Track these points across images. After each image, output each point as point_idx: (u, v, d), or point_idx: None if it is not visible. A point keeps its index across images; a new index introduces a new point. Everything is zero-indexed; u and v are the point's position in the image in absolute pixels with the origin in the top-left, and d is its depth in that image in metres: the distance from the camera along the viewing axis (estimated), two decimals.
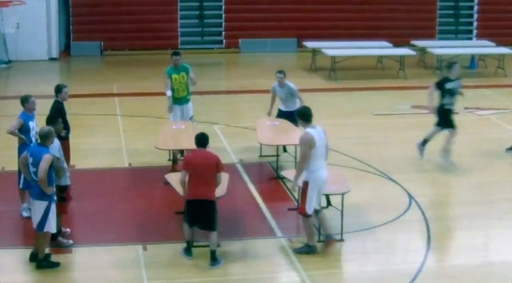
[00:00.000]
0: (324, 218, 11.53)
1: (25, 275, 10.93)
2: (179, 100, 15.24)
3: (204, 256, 11.34)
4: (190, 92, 15.58)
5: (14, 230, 12.35)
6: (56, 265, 10.93)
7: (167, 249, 11.63)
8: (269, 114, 15.93)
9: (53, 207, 10.80)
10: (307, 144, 11.00)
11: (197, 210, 10.96)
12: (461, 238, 12.37)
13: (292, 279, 11.01)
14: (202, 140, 11.15)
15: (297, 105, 15.11)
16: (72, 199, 11.93)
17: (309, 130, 11.13)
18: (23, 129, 12.26)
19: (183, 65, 15.33)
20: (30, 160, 10.72)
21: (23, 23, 24.62)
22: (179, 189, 11.30)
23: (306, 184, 11.16)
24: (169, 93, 15.16)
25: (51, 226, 10.82)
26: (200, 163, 10.89)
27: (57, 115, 12.38)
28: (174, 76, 15.13)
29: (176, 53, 15.39)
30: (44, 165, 10.54)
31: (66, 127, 12.77)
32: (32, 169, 10.71)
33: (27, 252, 11.26)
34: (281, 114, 15.74)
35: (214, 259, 11.06)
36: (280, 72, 15.79)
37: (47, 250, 11.02)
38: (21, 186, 12.35)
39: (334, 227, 12.09)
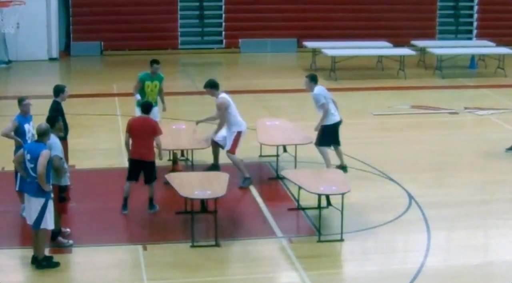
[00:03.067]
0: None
1: (25, 275, 10.92)
2: None
3: (204, 256, 11.35)
4: (161, 100, 15.58)
5: (14, 230, 12.34)
6: (56, 265, 10.93)
7: (167, 249, 11.64)
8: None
9: (50, 204, 10.79)
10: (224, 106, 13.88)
11: (138, 168, 12.76)
12: (461, 238, 12.36)
13: (292, 279, 11.01)
14: (146, 107, 13.00)
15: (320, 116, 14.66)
16: (71, 199, 11.91)
17: (223, 95, 14.05)
18: (19, 132, 12.19)
19: (159, 74, 15.30)
20: (28, 156, 10.72)
21: (23, 23, 24.63)
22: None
23: (238, 133, 14.16)
24: (137, 96, 15.11)
25: (48, 223, 10.81)
26: (139, 127, 12.66)
27: (58, 114, 12.39)
28: (148, 83, 15.12)
29: (157, 62, 15.25)
30: (43, 160, 10.55)
31: (65, 127, 12.75)
32: (29, 165, 10.70)
33: (27, 252, 11.26)
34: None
35: (151, 205, 12.92)
36: (306, 76, 15.07)
37: (46, 252, 11.02)
38: (17, 188, 12.24)
39: (334, 227, 12.11)
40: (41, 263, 10.89)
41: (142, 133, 12.66)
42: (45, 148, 10.70)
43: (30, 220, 10.86)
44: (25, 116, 12.31)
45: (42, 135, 10.83)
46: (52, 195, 10.89)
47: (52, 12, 26.40)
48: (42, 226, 10.79)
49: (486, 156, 16.20)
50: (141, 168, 12.78)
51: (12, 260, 11.45)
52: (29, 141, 11.98)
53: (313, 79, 14.87)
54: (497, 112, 19.75)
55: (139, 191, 13.71)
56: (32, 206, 10.78)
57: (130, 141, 12.76)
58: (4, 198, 13.26)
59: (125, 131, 12.89)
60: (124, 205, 12.91)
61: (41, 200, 10.71)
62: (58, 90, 13.37)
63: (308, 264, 11.16)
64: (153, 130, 12.72)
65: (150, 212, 12.86)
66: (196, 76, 24.02)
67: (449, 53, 25.04)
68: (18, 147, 12.12)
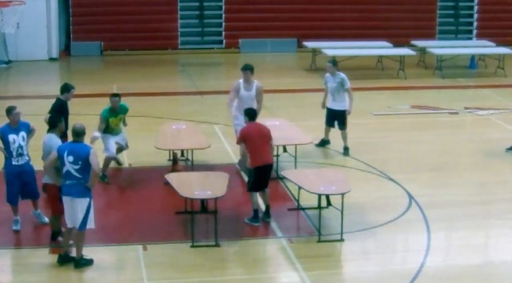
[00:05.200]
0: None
1: (25, 275, 10.92)
2: (112, 133, 14.45)
3: (204, 256, 11.35)
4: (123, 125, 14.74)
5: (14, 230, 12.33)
6: (91, 261, 11.01)
7: (167, 249, 11.64)
8: (322, 106, 16.20)
9: (93, 203, 10.85)
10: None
11: (265, 174, 12.38)
12: (461, 238, 12.36)
13: (292, 279, 11.01)
14: (253, 114, 12.63)
15: (346, 100, 15.78)
16: None
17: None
18: (3, 142, 11.91)
19: (122, 105, 14.28)
20: (70, 159, 10.65)
21: (23, 23, 24.60)
22: (179, 189, 11.81)
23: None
24: (97, 134, 13.95)
25: (92, 222, 10.87)
26: (258, 134, 12.36)
27: (61, 114, 12.35)
28: (112, 119, 14.17)
29: (115, 95, 14.26)
30: (96, 159, 10.65)
31: (65, 127, 12.67)
32: (73, 167, 10.65)
33: (26, 252, 11.26)
34: (330, 113, 16.07)
35: (267, 213, 12.59)
36: (329, 61, 16.05)
37: (46, 252, 11.03)
38: (8, 200, 12.09)
39: (334, 227, 12.11)
40: (79, 262, 10.92)
41: (261, 139, 12.36)
42: (91, 147, 10.80)
43: (75, 223, 10.83)
44: (13, 126, 11.89)
45: (81, 134, 10.85)
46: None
47: (52, 12, 26.38)
48: (88, 226, 10.83)
49: (486, 156, 16.20)
50: (267, 173, 12.48)
51: (12, 260, 11.46)
52: (14, 153, 11.77)
53: (335, 64, 16.00)
54: (497, 112, 19.75)
55: (141, 191, 13.72)
56: (78, 207, 10.75)
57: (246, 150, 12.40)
58: (4, 198, 13.23)
59: (239, 142, 12.58)
60: (256, 217, 12.47)
61: (87, 200, 10.76)
62: (64, 89, 13.31)
63: (308, 264, 11.16)
64: (270, 134, 12.54)
65: (267, 220, 12.55)
66: (196, 76, 24.04)
67: (449, 53, 25.03)
68: (6, 158, 11.90)
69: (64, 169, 10.75)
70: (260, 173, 12.32)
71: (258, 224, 12.35)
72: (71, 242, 11.54)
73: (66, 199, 10.84)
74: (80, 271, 10.94)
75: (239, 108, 14.35)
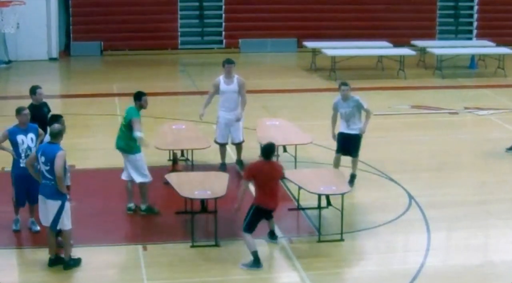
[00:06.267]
0: None
1: (25, 275, 10.93)
2: None
3: (204, 256, 11.35)
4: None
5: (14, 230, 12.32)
6: (80, 261, 10.99)
7: (167, 249, 11.64)
8: (334, 137, 14.21)
9: (67, 206, 10.80)
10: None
11: (263, 216, 11.24)
12: (461, 238, 12.36)
13: (292, 279, 11.01)
14: (270, 152, 11.24)
15: (361, 123, 14.09)
16: (71, 199, 11.90)
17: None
18: (11, 143, 11.86)
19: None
20: (42, 159, 10.68)
21: (23, 23, 24.61)
22: (179, 189, 11.66)
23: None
24: (142, 134, 12.79)
25: (65, 223, 10.82)
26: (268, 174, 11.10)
27: (35, 117, 12.26)
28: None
29: (143, 94, 13.23)
30: (60, 161, 10.56)
31: (44, 130, 12.24)
32: (44, 167, 10.67)
33: (26, 253, 11.26)
34: (343, 139, 14.07)
35: (273, 234, 11.80)
36: (345, 84, 14.04)
37: (46, 252, 11.02)
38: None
39: (334, 227, 12.11)
40: (68, 263, 10.90)
41: (272, 180, 11.18)
42: (60, 149, 10.70)
43: (47, 222, 10.84)
44: (22, 127, 11.86)
45: (56, 136, 10.81)
46: (68, 196, 10.90)
47: (52, 12, 26.39)
48: (58, 227, 10.80)
49: (486, 156, 16.21)
50: (267, 214, 11.39)
51: (12, 260, 11.46)
52: (22, 154, 11.76)
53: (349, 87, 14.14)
54: (497, 112, 19.75)
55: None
56: (49, 208, 10.76)
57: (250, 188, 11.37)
58: (4, 198, 13.23)
59: (245, 178, 11.23)
60: (257, 260, 11.08)
61: (58, 202, 10.72)
62: (30, 92, 13.19)
63: (308, 264, 11.16)
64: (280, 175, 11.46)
65: (274, 242, 11.82)
66: (196, 76, 24.04)
67: (449, 53, 25.03)
68: (14, 159, 11.87)
69: (39, 169, 10.81)
70: (260, 213, 11.24)
71: (261, 267, 11.06)
72: (71, 241, 11.57)
73: (40, 198, 10.90)
74: (80, 271, 10.94)
75: (222, 104, 14.58)
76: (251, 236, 11.14)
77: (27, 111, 11.98)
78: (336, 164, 13.99)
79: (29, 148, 11.77)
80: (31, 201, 11.98)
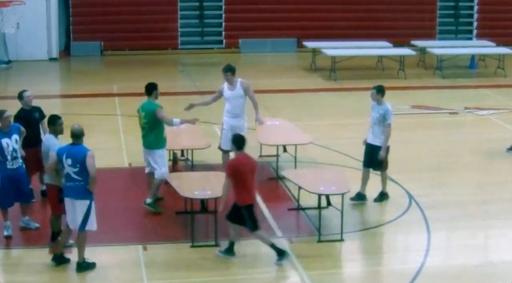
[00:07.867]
0: None
1: (25, 275, 10.92)
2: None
3: (204, 256, 11.35)
4: None
5: (14, 230, 12.30)
6: (94, 265, 10.97)
7: (167, 249, 11.64)
8: (363, 142, 13.70)
9: (94, 205, 10.79)
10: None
11: (253, 208, 11.13)
12: (461, 238, 12.37)
13: (292, 279, 11.02)
14: (241, 142, 11.15)
15: (383, 134, 13.38)
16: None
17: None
18: None
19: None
20: (69, 161, 10.63)
21: (23, 23, 24.61)
22: (179, 189, 11.55)
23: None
24: (177, 120, 13.23)
25: (93, 225, 10.84)
26: (249, 167, 11.02)
27: (26, 122, 12.23)
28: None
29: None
30: (92, 161, 10.57)
31: (37, 133, 12.27)
32: (72, 170, 10.63)
33: (26, 253, 11.25)
34: (366, 149, 13.59)
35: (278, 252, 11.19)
36: (374, 87, 13.60)
37: (45, 252, 11.02)
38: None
39: (334, 227, 12.11)
40: (81, 265, 10.89)
41: (251, 173, 11.06)
42: (88, 150, 10.69)
43: (75, 223, 10.80)
44: (5, 130, 11.70)
45: (79, 136, 10.79)
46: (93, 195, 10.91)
47: (52, 12, 26.39)
48: (87, 228, 10.80)
49: (486, 156, 16.21)
50: (248, 210, 11.12)
51: (12, 260, 11.46)
52: (9, 157, 11.64)
53: (380, 91, 13.43)
54: (497, 112, 19.75)
55: (141, 191, 13.71)
56: (78, 209, 10.73)
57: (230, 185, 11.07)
58: None
59: (228, 176, 11.00)
60: (281, 251, 11.16)
61: (87, 202, 10.72)
62: (18, 96, 13.03)
63: (308, 264, 11.16)
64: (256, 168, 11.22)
65: (278, 263, 11.17)
66: (196, 76, 24.04)
67: (449, 53, 25.04)
68: (0, 162, 11.68)
69: (65, 171, 10.76)
70: (252, 210, 11.11)
71: (287, 254, 11.18)
72: (71, 242, 11.58)
73: (67, 201, 10.84)
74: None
75: (227, 110, 14.36)
76: (262, 232, 11.20)
77: (7, 114, 11.80)
78: (363, 179, 13.53)
79: (14, 150, 11.70)
80: (23, 200, 11.96)
